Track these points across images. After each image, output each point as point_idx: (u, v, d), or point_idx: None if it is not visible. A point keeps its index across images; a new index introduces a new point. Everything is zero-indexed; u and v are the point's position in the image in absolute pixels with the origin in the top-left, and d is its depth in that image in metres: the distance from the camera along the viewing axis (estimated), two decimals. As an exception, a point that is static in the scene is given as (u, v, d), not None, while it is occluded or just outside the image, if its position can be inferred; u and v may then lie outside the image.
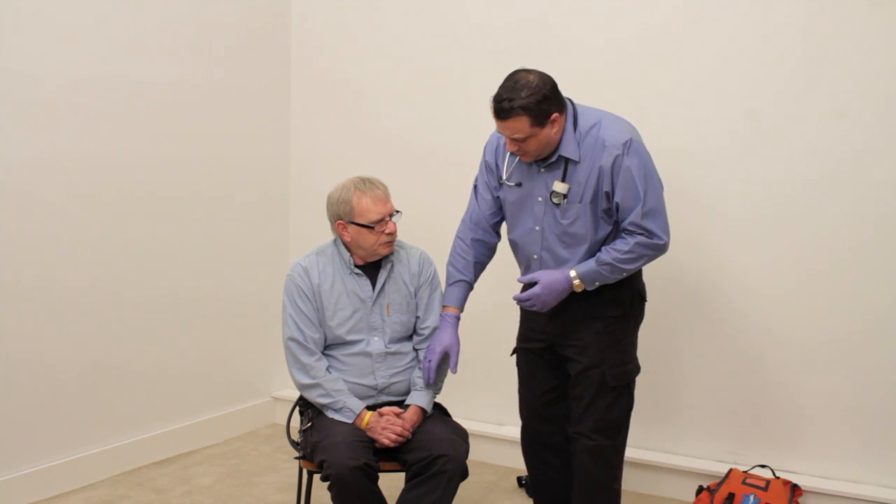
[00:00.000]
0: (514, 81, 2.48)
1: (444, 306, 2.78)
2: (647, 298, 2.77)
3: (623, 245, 2.52)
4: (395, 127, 4.07)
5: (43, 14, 3.21)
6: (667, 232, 2.54)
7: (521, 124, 2.46)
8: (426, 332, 2.80)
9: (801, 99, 3.20)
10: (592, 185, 2.53)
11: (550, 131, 2.50)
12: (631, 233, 2.52)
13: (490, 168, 2.77)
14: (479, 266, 2.82)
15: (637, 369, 2.72)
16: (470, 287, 2.81)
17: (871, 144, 3.11)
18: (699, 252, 3.41)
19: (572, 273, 2.55)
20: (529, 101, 2.43)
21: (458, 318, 2.76)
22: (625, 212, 2.51)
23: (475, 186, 2.84)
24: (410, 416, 2.66)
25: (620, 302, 2.64)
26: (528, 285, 2.65)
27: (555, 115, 2.49)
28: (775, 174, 3.26)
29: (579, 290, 2.57)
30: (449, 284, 2.80)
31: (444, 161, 3.92)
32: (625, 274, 2.55)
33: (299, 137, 4.36)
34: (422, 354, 2.78)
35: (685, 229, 3.40)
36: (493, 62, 3.72)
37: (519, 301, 2.65)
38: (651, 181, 2.52)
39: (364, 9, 4.12)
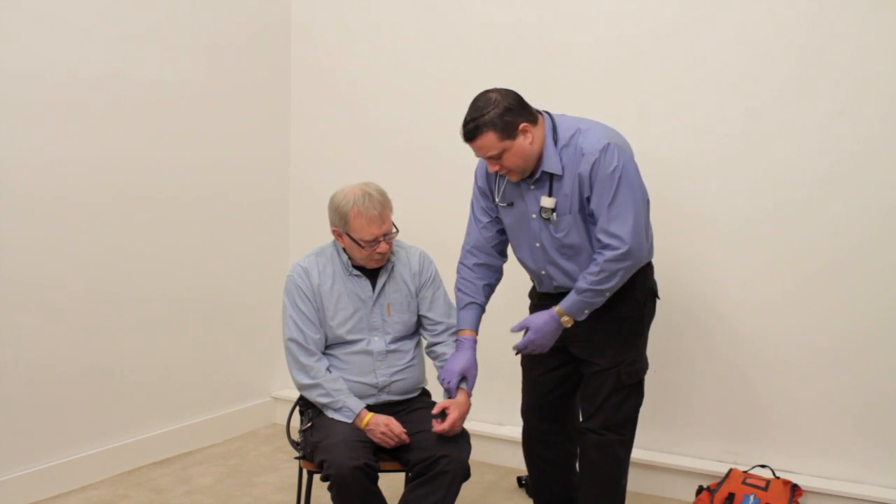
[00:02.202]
0: (475, 102, 2.51)
1: (458, 330, 2.76)
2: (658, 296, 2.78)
3: (594, 266, 2.50)
4: (395, 127, 4.07)
5: (43, 14, 3.21)
6: (634, 236, 2.46)
7: (490, 140, 2.47)
8: (440, 327, 2.80)
9: (801, 99, 3.20)
10: (576, 194, 2.52)
11: (524, 143, 2.49)
12: (600, 249, 2.50)
13: (484, 193, 2.76)
14: (488, 288, 2.81)
15: (646, 366, 2.74)
16: (481, 309, 2.79)
17: (871, 144, 3.10)
18: (699, 252, 3.41)
19: (557, 310, 2.56)
20: (492, 116, 2.45)
21: (475, 341, 2.74)
22: (596, 217, 2.50)
23: (472, 212, 2.82)
24: (462, 400, 2.65)
25: (635, 302, 2.65)
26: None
27: (523, 124, 2.48)
28: (775, 174, 3.26)
29: (570, 324, 2.57)
30: (460, 308, 2.78)
31: (444, 161, 3.91)
32: (608, 294, 2.52)
33: (299, 137, 4.36)
34: (440, 349, 2.78)
35: (685, 230, 3.41)
36: (493, 62, 3.75)
37: (520, 350, 2.66)
38: (626, 186, 2.46)
39: (364, 9, 4.13)
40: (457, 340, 2.75)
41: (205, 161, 3.93)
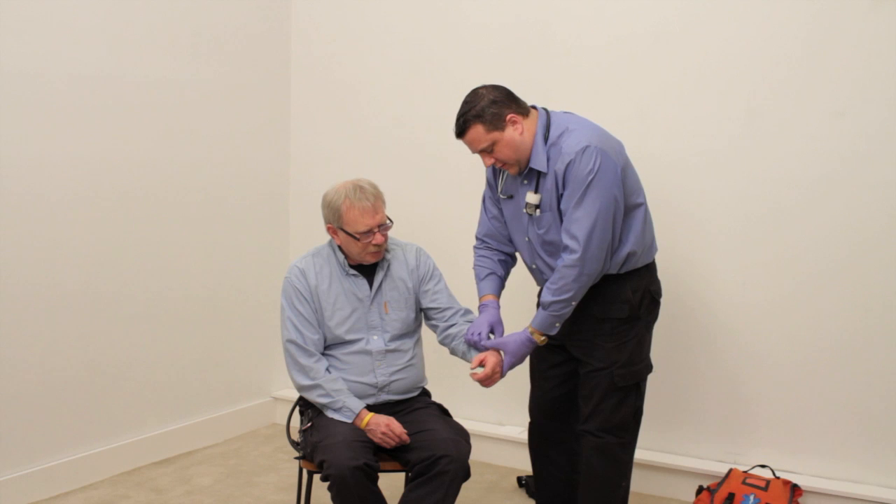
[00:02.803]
0: (465, 99, 2.58)
1: (480, 298, 2.78)
2: (662, 294, 2.76)
3: (555, 274, 2.51)
4: (394, 127, 4.07)
5: (43, 14, 3.21)
6: (587, 242, 2.45)
7: (478, 133, 2.53)
8: (448, 312, 2.79)
9: (801, 99, 3.20)
10: (555, 191, 2.54)
11: (514, 134, 2.53)
12: (561, 253, 2.51)
13: (490, 184, 2.81)
14: (505, 264, 2.83)
15: (647, 368, 2.73)
16: (501, 280, 2.81)
17: (871, 144, 3.10)
18: (699, 252, 3.41)
19: (531, 330, 2.59)
20: (479, 109, 2.52)
21: (498, 304, 2.76)
22: (563, 217, 2.51)
23: (483, 201, 2.86)
24: (495, 352, 2.63)
25: (627, 303, 2.62)
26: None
27: (510, 115, 2.53)
28: (775, 174, 3.26)
29: (543, 342, 2.59)
30: (480, 280, 2.81)
31: (443, 161, 3.91)
32: (573, 303, 2.52)
33: (299, 137, 4.36)
34: (454, 330, 2.76)
35: (685, 229, 3.40)
36: (493, 62, 3.75)
37: (499, 376, 2.64)
38: (594, 191, 2.45)
39: (364, 9, 4.12)
40: (480, 305, 2.76)
41: (205, 161, 3.93)
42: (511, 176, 2.67)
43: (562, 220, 2.54)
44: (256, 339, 4.25)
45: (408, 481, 2.62)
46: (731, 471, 3.23)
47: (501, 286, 2.82)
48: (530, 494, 3.36)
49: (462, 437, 2.63)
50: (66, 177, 3.33)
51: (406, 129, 4.03)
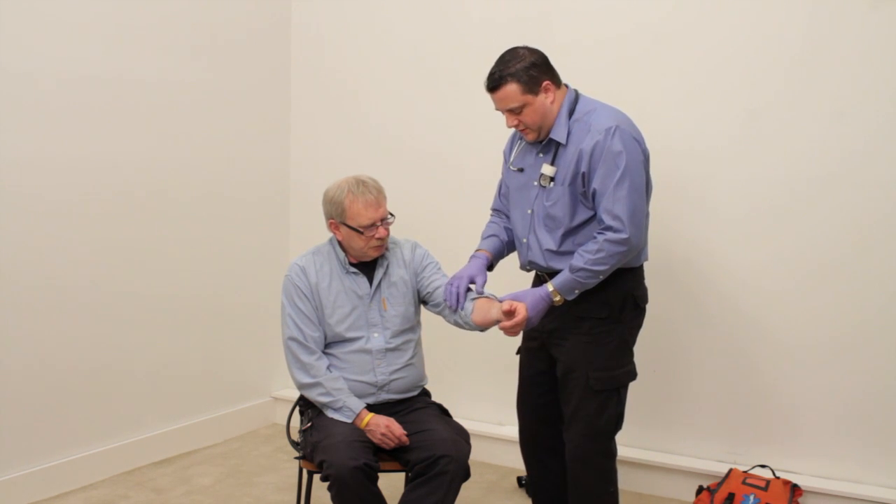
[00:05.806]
0: (503, 56, 2.58)
1: (476, 251, 2.78)
2: (648, 302, 2.73)
3: (593, 245, 2.49)
4: (394, 127, 4.07)
5: (43, 14, 3.21)
6: (632, 221, 2.46)
7: (512, 92, 2.54)
8: (441, 293, 2.74)
9: (801, 99, 3.20)
10: (572, 167, 2.54)
11: (545, 100, 2.55)
12: (602, 231, 2.50)
13: (505, 157, 2.82)
14: (510, 232, 2.82)
15: (629, 375, 2.67)
16: (502, 243, 2.81)
17: (871, 144, 3.10)
18: (699, 252, 3.41)
19: (550, 287, 2.54)
20: (518, 68, 2.52)
21: (487, 258, 2.75)
22: (599, 197, 2.50)
23: (501, 179, 2.89)
24: (525, 308, 2.52)
25: (607, 303, 2.60)
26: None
27: (546, 82, 2.55)
28: (775, 174, 3.26)
29: (559, 303, 2.55)
30: (482, 239, 2.83)
31: (443, 161, 3.92)
32: (601, 277, 2.50)
33: (299, 137, 4.36)
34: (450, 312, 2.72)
35: (685, 229, 3.41)
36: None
37: (508, 329, 2.56)
38: (630, 172, 2.47)
39: (364, 9, 4.13)
40: (471, 256, 2.76)
41: (205, 161, 3.93)
42: (526, 149, 2.69)
43: (573, 196, 2.55)
44: (256, 339, 4.25)
45: (408, 481, 2.62)
46: (731, 471, 3.23)
47: (500, 248, 2.81)
48: (530, 494, 3.36)
49: (462, 437, 2.63)
50: (65, 177, 3.33)
51: (406, 128, 4.04)
